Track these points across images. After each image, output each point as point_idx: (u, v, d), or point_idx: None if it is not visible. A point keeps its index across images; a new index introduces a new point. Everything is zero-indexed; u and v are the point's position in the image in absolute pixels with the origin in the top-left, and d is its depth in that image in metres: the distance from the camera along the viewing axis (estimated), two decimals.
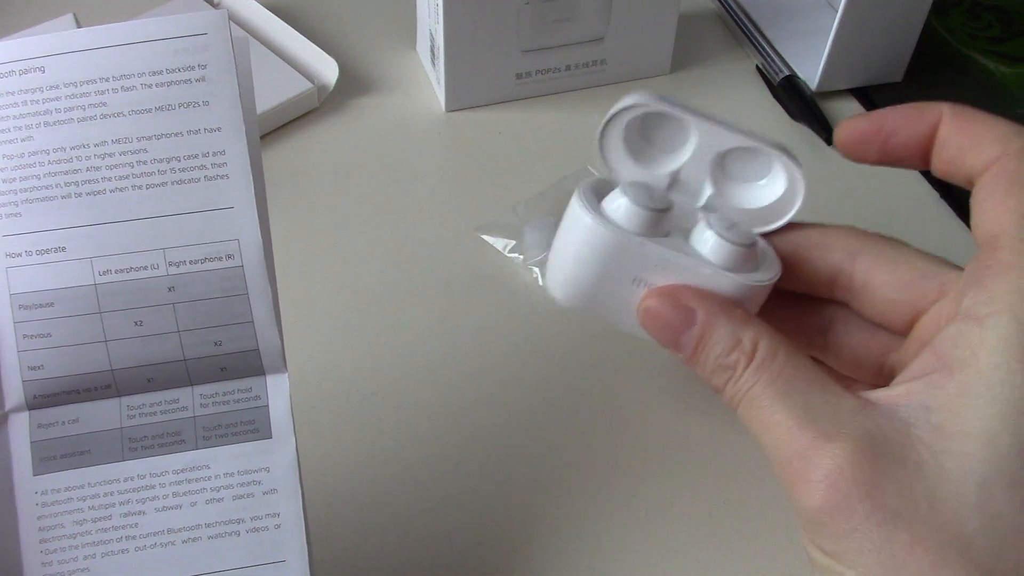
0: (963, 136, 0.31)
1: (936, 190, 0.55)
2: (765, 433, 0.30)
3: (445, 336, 0.48)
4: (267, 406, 0.31)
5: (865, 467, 0.27)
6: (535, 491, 0.42)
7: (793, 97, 0.60)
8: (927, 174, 0.55)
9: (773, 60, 0.62)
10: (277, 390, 0.31)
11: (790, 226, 0.37)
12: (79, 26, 0.55)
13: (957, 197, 0.55)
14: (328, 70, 0.59)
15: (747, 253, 0.36)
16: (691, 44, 0.65)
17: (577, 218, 0.36)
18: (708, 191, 0.38)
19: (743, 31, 0.65)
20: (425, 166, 0.57)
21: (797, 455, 0.28)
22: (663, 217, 0.36)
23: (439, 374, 0.46)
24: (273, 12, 0.63)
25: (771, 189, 0.38)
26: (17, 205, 0.29)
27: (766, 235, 0.38)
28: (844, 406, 0.29)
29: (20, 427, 0.31)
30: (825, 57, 0.59)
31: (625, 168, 0.38)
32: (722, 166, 0.38)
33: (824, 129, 0.58)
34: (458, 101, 0.60)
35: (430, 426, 0.44)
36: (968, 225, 0.52)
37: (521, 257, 0.50)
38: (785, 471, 0.29)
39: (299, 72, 0.59)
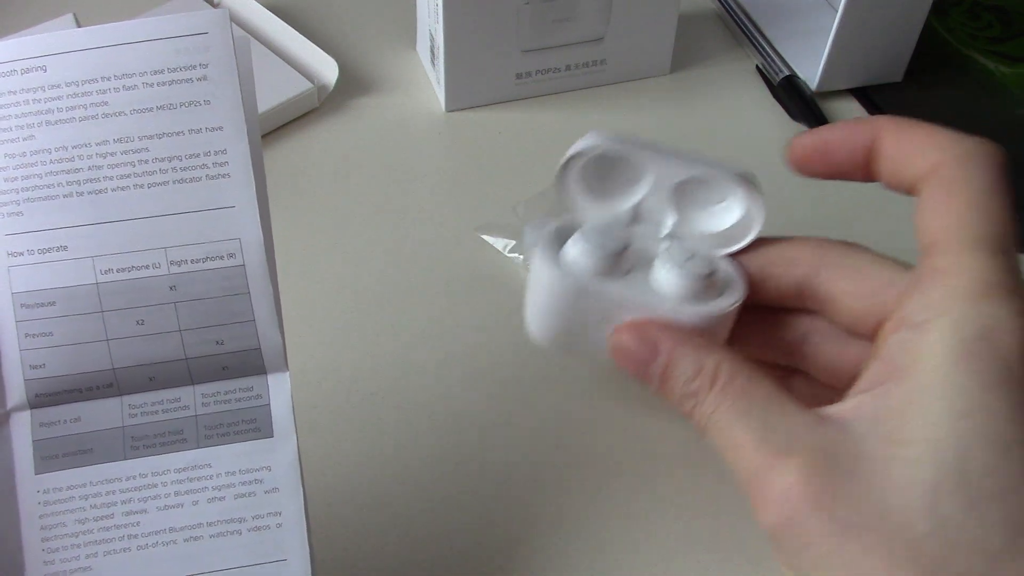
0: (903, 147, 0.32)
1: None
2: (728, 453, 0.31)
3: (445, 336, 0.48)
4: (268, 405, 0.31)
5: (816, 482, 0.28)
6: (535, 491, 0.42)
7: (793, 97, 0.60)
8: None
9: (773, 60, 0.62)
10: (278, 389, 0.31)
11: (756, 242, 0.38)
12: (79, 26, 0.55)
13: None
14: (328, 70, 0.59)
15: (705, 283, 0.37)
16: (691, 44, 0.65)
17: (539, 267, 0.38)
18: (671, 219, 0.40)
19: (743, 31, 0.65)
20: (425, 166, 0.57)
21: (755, 473, 0.29)
22: (621, 257, 0.38)
23: (439, 374, 0.46)
24: (273, 12, 0.63)
25: (731, 212, 0.39)
26: (19, 204, 0.30)
27: (734, 254, 0.39)
28: (799, 423, 0.29)
29: (22, 426, 0.31)
30: (825, 57, 0.59)
31: (586, 207, 0.40)
32: (682, 193, 0.40)
33: None
34: (458, 101, 0.60)
35: (430, 426, 0.44)
36: None
37: (521, 257, 0.50)
38: (746, 490, 0.30)
39: (299, 72, 0.59)
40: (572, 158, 0.38)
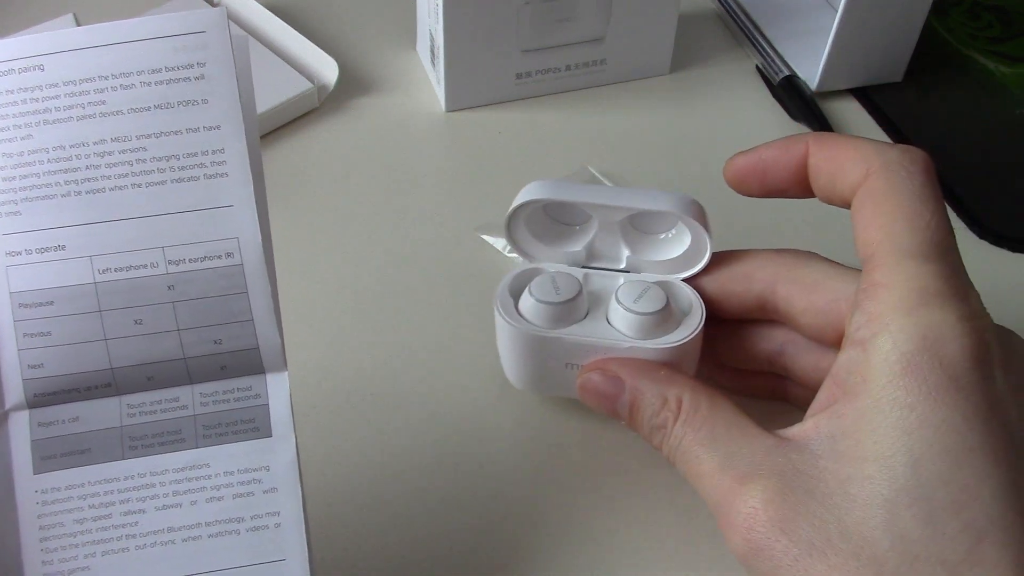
0: (830, 163, 0.33)
1: None
2: (695, 482, 0.32)
3: (445, 336, 0.48)
4: (267, 405, 0.31)
5: (778, 504, 0.28)
6: (536, 491, 0.42)
7: (793, 97, 0.60)
8: None
9: (773, 60, 0.62)
10: (277, 389, 0.31)
11: (716, 261, 0.39)
12: (79, 26, 0.55)
13: (957, 197, 0.55)
14: (328, 70, 0.59)
15: (659, 318, 0.39)
16: (691, 44, 0.65)
17: (498, 320, 0.40)
18: (624, 253, 0.42)
19: (743, 31, 0.65)
20: (425, 166, 0.57)
21: (721, 500, 0.30)
22: (575, 304, 0.40)
23: (439, 374, 0.46)
24: (273, 12, 0.63)
25: (681, 239, 0.41)
26: (17, 204, 0.30)
27: (692, 279, 0.40)
28: (760, 447, 0.30)
29: (20, 426, 0.31)
30: (825, 57, 0.59)
31: (539, 252, 0.42)
32: (631, 227, 0.41)
33: (824, 129, 0.58)
34: (458, 101, 0.60)
35: (430, 426, 0.44)
36: (968, 224, 0.53)
37: (520, 259, 0.51)
38: (716, 516, 0.31)
39: (299, 72, 0.59)
40: (515, 211, 0.40)
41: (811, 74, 0.61)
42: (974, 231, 0.53)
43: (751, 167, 0.35)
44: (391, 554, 0.40)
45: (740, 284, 0.37)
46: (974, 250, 0.52)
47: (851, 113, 0.61)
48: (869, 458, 0.27)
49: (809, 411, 0.30)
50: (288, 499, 0.31)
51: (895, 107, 0.61)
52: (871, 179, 0.31)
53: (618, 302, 0.39)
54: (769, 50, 0.63)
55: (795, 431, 0.30)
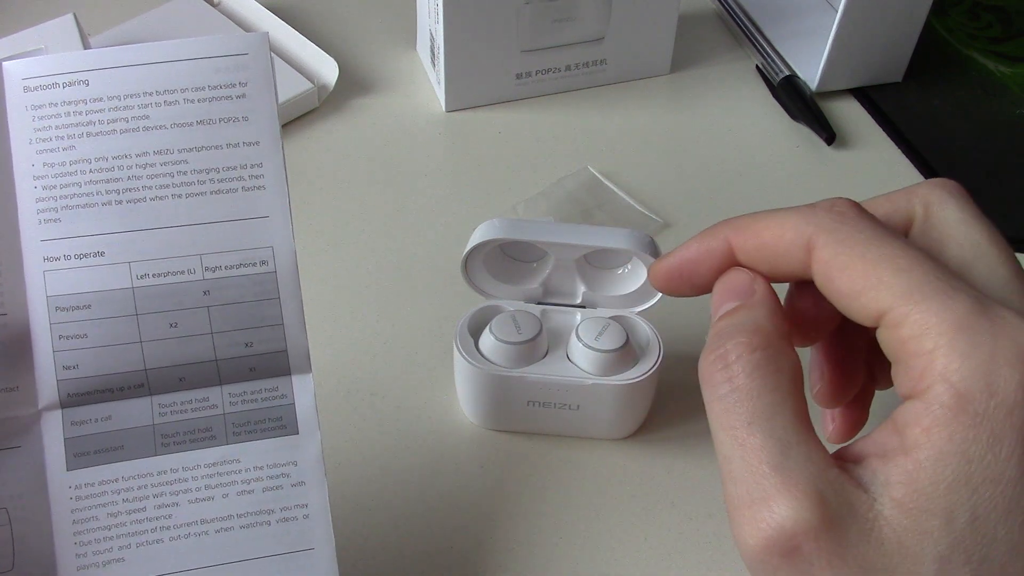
0: (762, 251, 0.32)
1: None
2: (735, 450, 0.29)
3: (445, 336, 0.49)
4: (293, 404, 0.34)
5: (828, 535, 0.28)
6: (536, 491, 0.44)
7: (793, 97, 0.62)
8: (928, 174, 0.58)
9: (773, 60, 0.64)
10: (303, 389, 0.34)
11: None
12: (79, 26, 0.57)
13: None
14: (328, 70, 0.62)
15: (621, 355, 0.41)
16: (691, 44, 0.67)
17: (458, 360, 0.42)
18: (581, 288, 0.44)
19: (743, 31, 0.68)
20: (425, 166, 0.59)
21: (759, 494, 0.29)
22: (536, 343, 0.42)
23: (439, 374, 0.48)
24: (273, 12, 0.65)
25: (636, 273, 0.44)
26: (57, 211, 0.32)
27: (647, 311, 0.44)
28: (820, 462, 0.29)
29: (53, 424, 0.33)
30: (825, 57, 0.61)
31: (497, 289, 0.44)
32: (588, 262, 0.44)
33: (824, 129, 0.60)
34: (458, 101, 0.62)
35: (430, 426, 0.46)
36: None
37: None
38: (735, 498, 0.29)
39: (299, 72, 0.62)
40: (470, 252, 0.42)
41: (811, 74, 0.63)
42: None
43: (674, 273, 0.34)
44: (391, 554, 0.42)
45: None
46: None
47: (851, 113, 0.63)
48: (929, 511, 0.27)
49: (865, 446, 0.30)
50: (315, 492, 0.34)
51: (895, 107, 0.63)
52: (819, 250, 0.30)
53: (579, 339, 0.41)
54: (769, 50, 0.65)
55: (850, 464, 0.29)
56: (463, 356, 0.42)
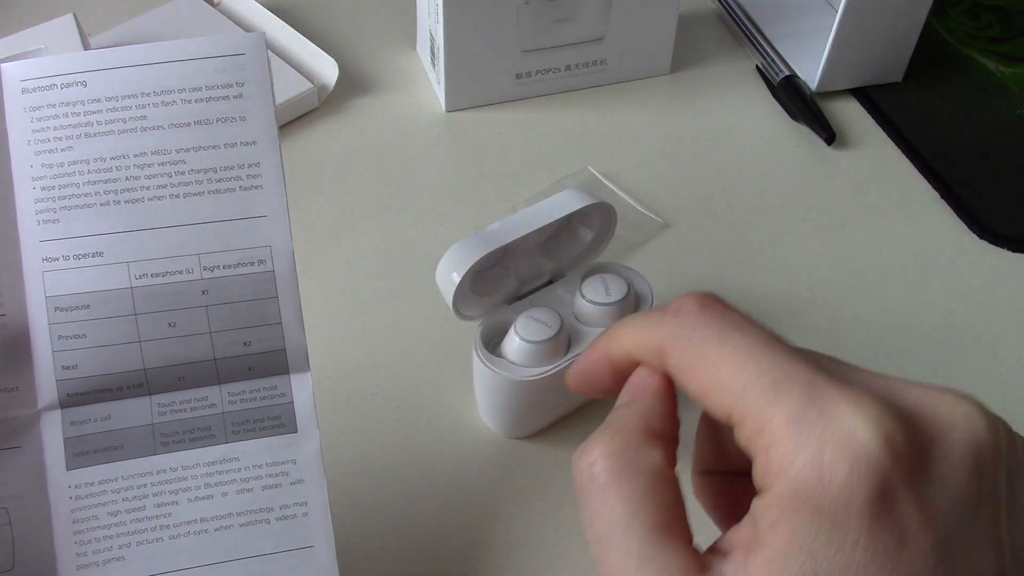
0: (629, 357, 0.32)
1: (936, 190, 0.58)
2: (600, 565, 0.30)
3: (445, 336, 0.50)
4: (292, 403, 0.34)
5: None
6: (536, 491, 0.44)
7: (793, 97, 0.63)
8: (928, 174, 0.58)
9: (773, 60, 0.65)
10: (301, 387, 0.35)
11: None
12: (79, 26, 0.57)
13: (957, 197, 0.57)
14: (328, 70, 0.62)
15: (631, 301, 0.43)
16: (691, 44, 0.67)
17: (481, 371, 0.42)
18: (548, 264, 0.45)
19: (743, 31, 0.68)
20: (425, 166, 0.59)
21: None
22: (560, 340, 0.42)
23: (439, 374, 0.48)
24: (273, 12, 0.65)
25: (590, 222, 0.45)
26: (55, 212, 0.33)
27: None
28: (674, 572, 0.29)
29: (53, 424, 0.34)
30: (825, 57, 0.62)
31: (483, 306, 0.44)
32: (545, 246, 0.45)
33: (824, 129, 0.61)
34: (458, 101, 0.62)
35: (430, 426, 0.46)
36: (968, 224, 0.56)
37: None
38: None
39: (299, 72, 0.62)
40: (457, 291, 0.42)
41: (811, 74, 0.63)
42: (974, 231, 0.56)
43: (582, 380, 0.35)
44: (391, 554, 0.42)
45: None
46: (974, 250, 0.55)
47: (851, 113, 0.63)
48: None
49: (732, 538, 0.30)
50: (314, 490, 0.34)
51: (895, 107, 0.63)
52: (668, 358, 0.31)
53: (590, 301, 0.42)
54: (769, 50, 0.66)
55: (712, 559, 0.29)
56: (493, 370, 0.42)
